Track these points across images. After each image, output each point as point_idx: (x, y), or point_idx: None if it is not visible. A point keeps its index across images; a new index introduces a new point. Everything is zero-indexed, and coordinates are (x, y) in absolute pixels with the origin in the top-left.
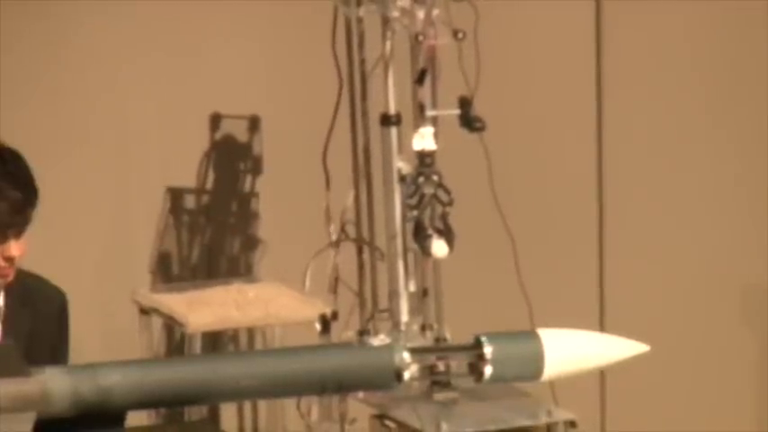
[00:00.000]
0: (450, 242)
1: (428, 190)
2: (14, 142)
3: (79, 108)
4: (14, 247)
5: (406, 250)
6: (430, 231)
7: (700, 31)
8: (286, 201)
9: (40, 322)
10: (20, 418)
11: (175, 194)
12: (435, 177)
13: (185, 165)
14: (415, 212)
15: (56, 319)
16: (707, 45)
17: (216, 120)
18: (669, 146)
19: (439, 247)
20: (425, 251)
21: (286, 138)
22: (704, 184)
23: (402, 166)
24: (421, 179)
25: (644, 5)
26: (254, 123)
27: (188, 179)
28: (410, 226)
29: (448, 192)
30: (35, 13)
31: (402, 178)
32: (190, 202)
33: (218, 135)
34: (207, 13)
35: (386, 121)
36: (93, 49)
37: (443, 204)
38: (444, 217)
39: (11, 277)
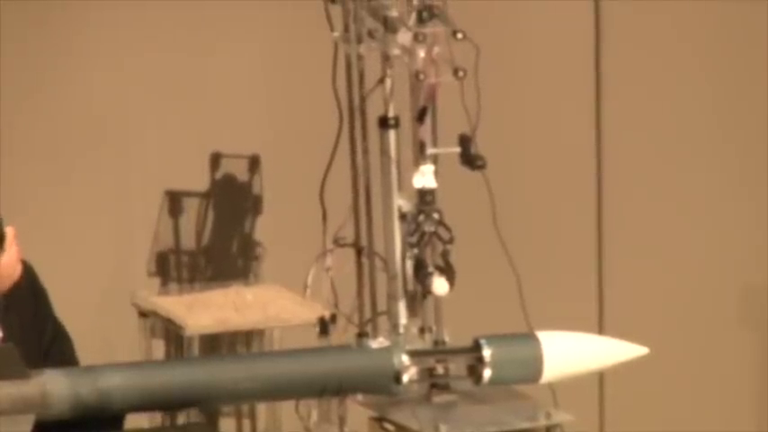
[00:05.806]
0: (450, 280)
1: (429, 228)
2: (16, 147)
3: (80, 112)
4: None
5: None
6: (431, 269)
7: (700, 31)
8: (286, 202)
9: (27, 309)
10: (19, 420)
11: (174, 198)
12: (436, 215)
13: (186, 170)
14: (415, 250)
15: (35, 295)
16: (707, 45)
17: (216, 159)
18: (669, 147)
19: (439, 285)
20: (426, 289)
21: (287, 150)
22: (704, 184)
23: (402, 203)
24: (421, 217)
25: (644, 6)
26: (254, 162)
27: (188, 183)
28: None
29: (448, 229)
30: (37, 18)
31: (403, 216)
32: (189, 205)
33: (218, 175)
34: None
35: (384, 123)
36: (97, 60)
37: (444, 242)
38: (445, 254)
39: None
